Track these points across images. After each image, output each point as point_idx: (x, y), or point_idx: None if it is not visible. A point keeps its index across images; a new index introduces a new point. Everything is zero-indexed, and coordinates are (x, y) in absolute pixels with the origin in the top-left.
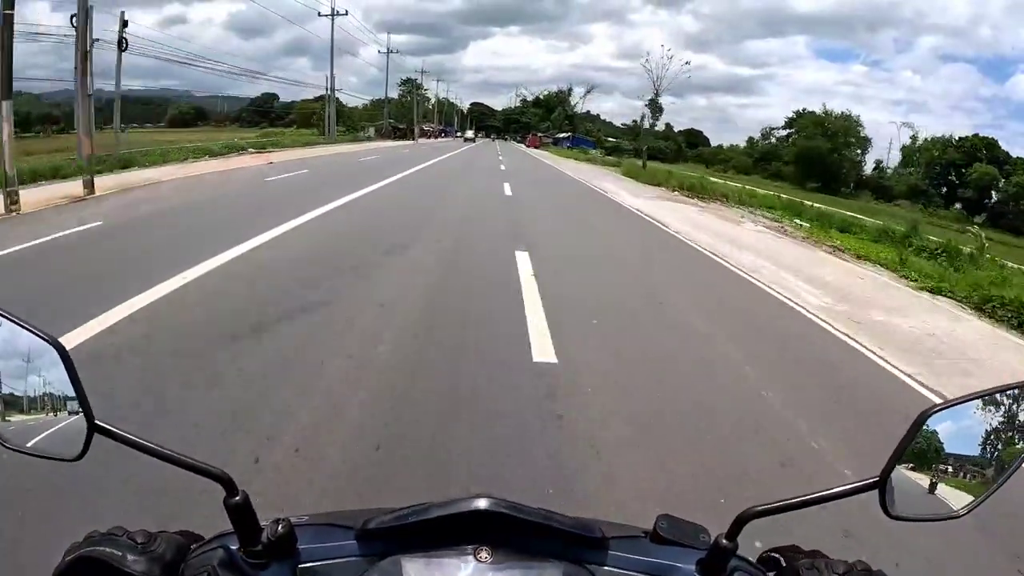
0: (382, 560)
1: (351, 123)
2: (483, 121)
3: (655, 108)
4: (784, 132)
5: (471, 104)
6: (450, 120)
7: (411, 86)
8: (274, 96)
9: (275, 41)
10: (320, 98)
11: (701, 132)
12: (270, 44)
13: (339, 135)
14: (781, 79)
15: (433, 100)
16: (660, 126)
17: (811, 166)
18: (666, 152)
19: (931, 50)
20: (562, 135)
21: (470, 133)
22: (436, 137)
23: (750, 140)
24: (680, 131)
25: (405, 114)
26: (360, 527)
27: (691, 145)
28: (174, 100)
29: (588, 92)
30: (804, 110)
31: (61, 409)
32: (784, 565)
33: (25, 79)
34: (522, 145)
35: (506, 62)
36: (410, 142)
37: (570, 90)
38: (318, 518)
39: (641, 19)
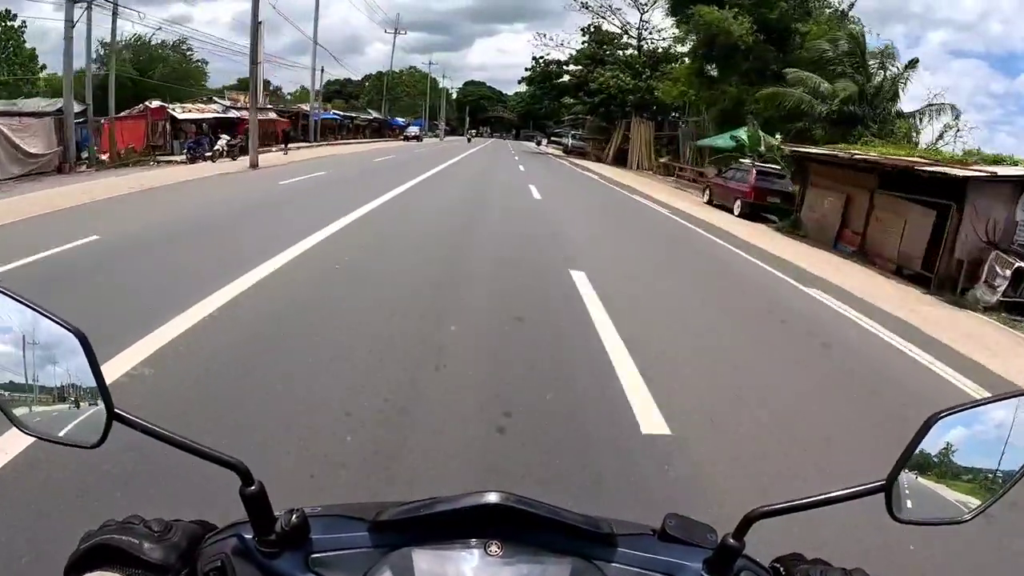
0: (393, 552)
1: None
2: (482, 113)
3: None
4: None
5: (464, 84)
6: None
7: None
8: None
9: None
10: None
11: None
12: None
13: None
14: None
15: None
16: None
17: None
18: None
19: (940, 45)
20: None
21: None
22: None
23: None
24: None
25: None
26: (372, 519)
27: None
28: None
29: None
30: None
31: (81, 397)
32: (784, 573)
33: None
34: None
35: (512, 59)
36: None
37: None
38: (331, 509)
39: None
